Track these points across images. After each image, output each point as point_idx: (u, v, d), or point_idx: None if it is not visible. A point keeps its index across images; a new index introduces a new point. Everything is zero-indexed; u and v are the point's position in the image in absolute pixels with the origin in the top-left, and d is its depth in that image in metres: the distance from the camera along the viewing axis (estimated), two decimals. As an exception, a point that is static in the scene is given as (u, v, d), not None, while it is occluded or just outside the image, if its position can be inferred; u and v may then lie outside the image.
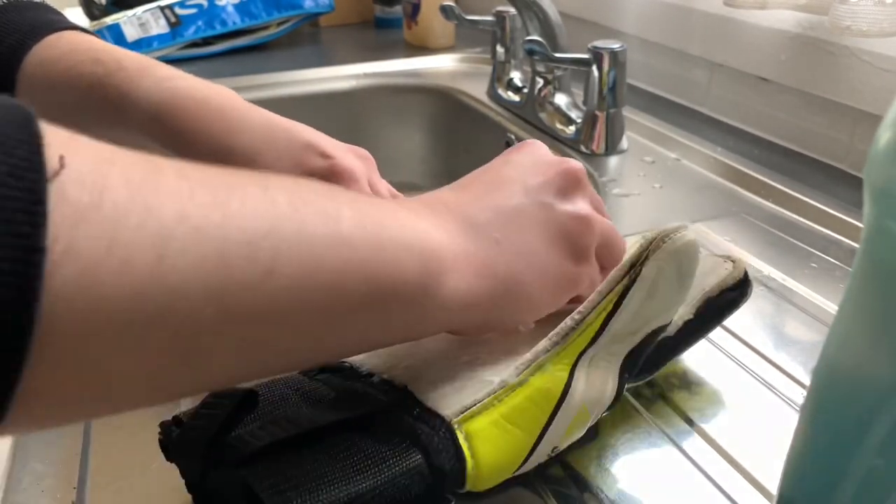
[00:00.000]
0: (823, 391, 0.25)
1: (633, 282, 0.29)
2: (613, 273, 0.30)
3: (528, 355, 0.30)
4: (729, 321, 0.38)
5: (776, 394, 0.37)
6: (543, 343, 0.30)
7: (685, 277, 0.31)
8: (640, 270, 0.29)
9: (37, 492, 0.32)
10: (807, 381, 0.38)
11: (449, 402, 0.29)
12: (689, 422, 0.35)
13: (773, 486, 0.30)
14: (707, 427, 0.35)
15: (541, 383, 0.29)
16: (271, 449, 0.26)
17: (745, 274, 0.37)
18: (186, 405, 0.33)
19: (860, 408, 0.23)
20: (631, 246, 0.37)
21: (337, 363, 0.32)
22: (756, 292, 0.40)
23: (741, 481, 0.32)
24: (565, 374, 0.29)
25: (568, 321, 0.30)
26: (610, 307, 0.29)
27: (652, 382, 0.37)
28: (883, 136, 0.20)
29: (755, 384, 0.38)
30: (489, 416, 0.28)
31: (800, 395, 0.37)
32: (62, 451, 0.34)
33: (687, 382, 0.38)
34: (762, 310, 0.44)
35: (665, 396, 0.37)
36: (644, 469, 0.33)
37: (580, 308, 0.30)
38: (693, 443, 0.34)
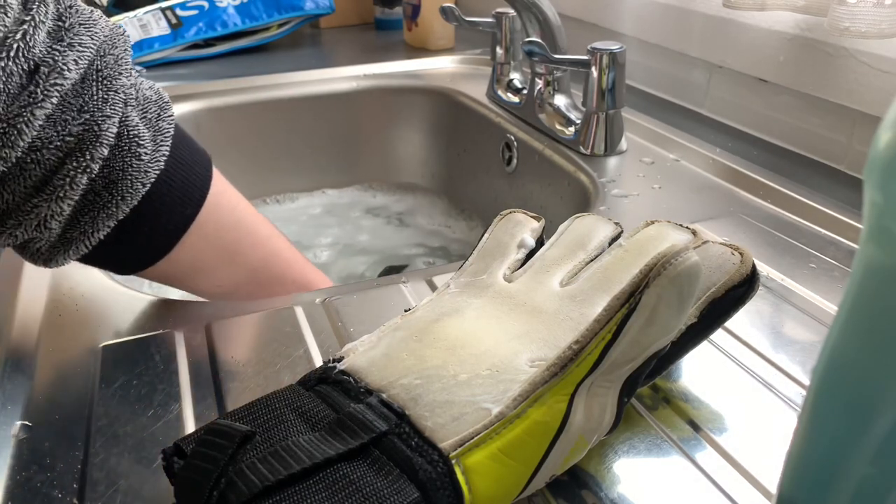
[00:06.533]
0: (822, 392, 0.25)
1: (632, 310, 0.28)
2: (612, 301, 0.29)
3: (525, 385, 0.29)
4: (727, 321, 0.38)
5: (775, 393, 0.37)
6: (541, 373, 0.29)
7: (686, 301, 0.30)
8: (640, 298, 0.28)
9: (38, 492, 0.32)
10: (806, 380, 0.38)
11: (447, 432, 0.28)
12: (689, 422, 0.36)
13: (773, 486, 0.31)
14: (707, 427, 0.35)
15: (539, 416, 0.29)
16: (271, 484, 0.26)
17: (753, 267, 0.35)
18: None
19: (857, 410, 0.23)
20: (630, 253, 0.37)
21: (336, 376, 0.32)
22: (755, 292, 0.40)
23: (741, 480, 0.32)
24: (563, 406, 0.29)
25: (567, 351, 0.29)
26: (609, 336, 0.29)
27: (652, 384, 0.38)
28: (883, 136, 0.20)
29: (754, 384, 0.38)
30: (487, 449, 0.28)
31: (799, 395, 0.37)
32: (64, 451, 0.34)
33: (686, 383, 0.38)
34: (761, 310, 0.44)
35: (665, 397, 0.37)
36: (644, 469, 0.33)
37: (578, 337, 0.29)
38: (693, 443, 0.34)
